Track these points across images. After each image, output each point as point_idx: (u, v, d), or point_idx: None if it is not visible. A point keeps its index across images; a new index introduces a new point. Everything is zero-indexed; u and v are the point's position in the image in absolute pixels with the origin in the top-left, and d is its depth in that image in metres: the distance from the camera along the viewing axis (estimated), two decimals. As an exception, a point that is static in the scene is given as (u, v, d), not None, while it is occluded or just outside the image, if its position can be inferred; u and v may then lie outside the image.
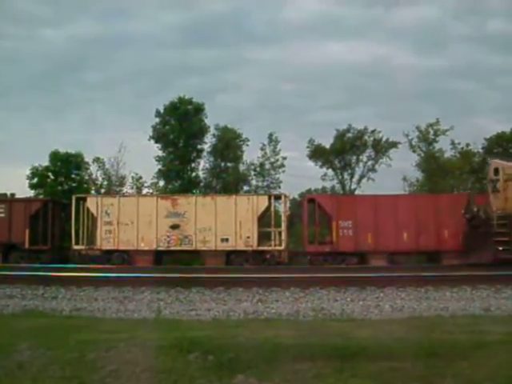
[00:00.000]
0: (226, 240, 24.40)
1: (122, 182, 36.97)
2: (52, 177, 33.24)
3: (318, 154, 38.56)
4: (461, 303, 12.09)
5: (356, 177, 38.47)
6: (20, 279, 14.67)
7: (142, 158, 60.40)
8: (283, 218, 25.33)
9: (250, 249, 24.31)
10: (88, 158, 35.10)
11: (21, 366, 6.66)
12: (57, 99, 67.06)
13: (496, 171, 17.90)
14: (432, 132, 35.91)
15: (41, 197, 30.35)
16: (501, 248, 16.74)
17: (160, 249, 24.75)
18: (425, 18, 69.71)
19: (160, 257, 25.41)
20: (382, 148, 37.97)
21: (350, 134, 38.17)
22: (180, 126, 35.10)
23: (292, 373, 6.27)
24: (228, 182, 35.61)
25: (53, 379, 6.38)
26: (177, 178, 35.40)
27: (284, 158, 37.25)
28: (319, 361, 6.43)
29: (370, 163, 37.95)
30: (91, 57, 70.18)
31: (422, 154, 35.97)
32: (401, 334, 7.52)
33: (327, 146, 38.42)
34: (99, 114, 63.43)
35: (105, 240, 24.60)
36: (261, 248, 24.58)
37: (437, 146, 35.94)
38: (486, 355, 6.49)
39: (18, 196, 29.30)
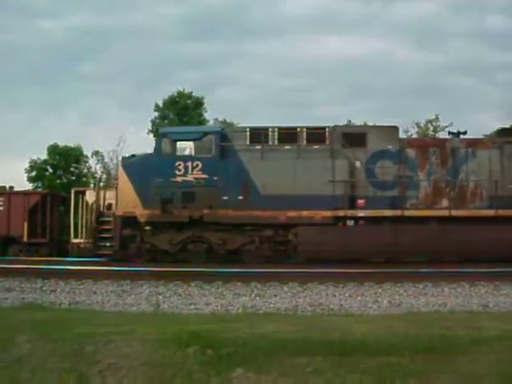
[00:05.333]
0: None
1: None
2: (51, 170, 33.21)
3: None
4: (459, 299, 12.12)
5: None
6: (19, 272, 14.69)
7: (141, 152, 60.22)
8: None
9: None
10: (87, 152, 35.08)
11: (20, 359, 6.67)
12: (55, 92, 66.84)
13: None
14: (431, 128, 35.88)
15: (39, 190, 30.30)
16: (108, 244, 17.21)
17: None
18: (423, 13, 69.57)
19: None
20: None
21: (349, 130, 38.17)
22: (179, 120, 35.07)
23: (290, 367, 6.29)
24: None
25: (52, 372, 6.39)
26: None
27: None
28: (317, 355, 6.44)
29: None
30: (89, 49, 69.93)
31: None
32: (399, 330, 7.52)
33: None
34: (98, 107, 63.26)
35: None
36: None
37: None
38: (484, 351, 6.51)
39: (16, 189, 29.28)
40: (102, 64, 66.00)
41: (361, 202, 16.39)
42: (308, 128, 16.96)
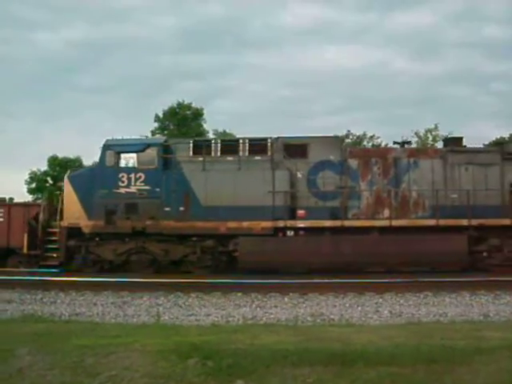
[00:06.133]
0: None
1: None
2: (50, 181, 33.31)
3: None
4: (460, 309, 12.09)
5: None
6: (19, 284, 14.68)
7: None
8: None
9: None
10: (86, 162, 35.21)
11: (20, 372, 6.66)
12: (55, 104, 67.17)
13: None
14: (431, 138, 35.99)
15: (39, 201, 30.34)
16: (55, 255, 17.52)
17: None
18: (421, 23, 70.00)
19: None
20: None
21: (348, 140, 38.27)
22: (179, 131, 35.21)
23: (291, 378, 6.27)
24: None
25: (52, 384, 6.38)
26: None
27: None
28: (318, 366, 6.43)
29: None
30: (88, 61, 70.27)
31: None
32: (400, 340, 7.51)
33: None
34: (98, 118, 63.53)
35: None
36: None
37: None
38: (485, 361, 6.50)
39: (16, 200, 29.29)
40: (102, 76, 66.35)
41: (301, 212, 16.44)
42: (250, 139, 17.02)
